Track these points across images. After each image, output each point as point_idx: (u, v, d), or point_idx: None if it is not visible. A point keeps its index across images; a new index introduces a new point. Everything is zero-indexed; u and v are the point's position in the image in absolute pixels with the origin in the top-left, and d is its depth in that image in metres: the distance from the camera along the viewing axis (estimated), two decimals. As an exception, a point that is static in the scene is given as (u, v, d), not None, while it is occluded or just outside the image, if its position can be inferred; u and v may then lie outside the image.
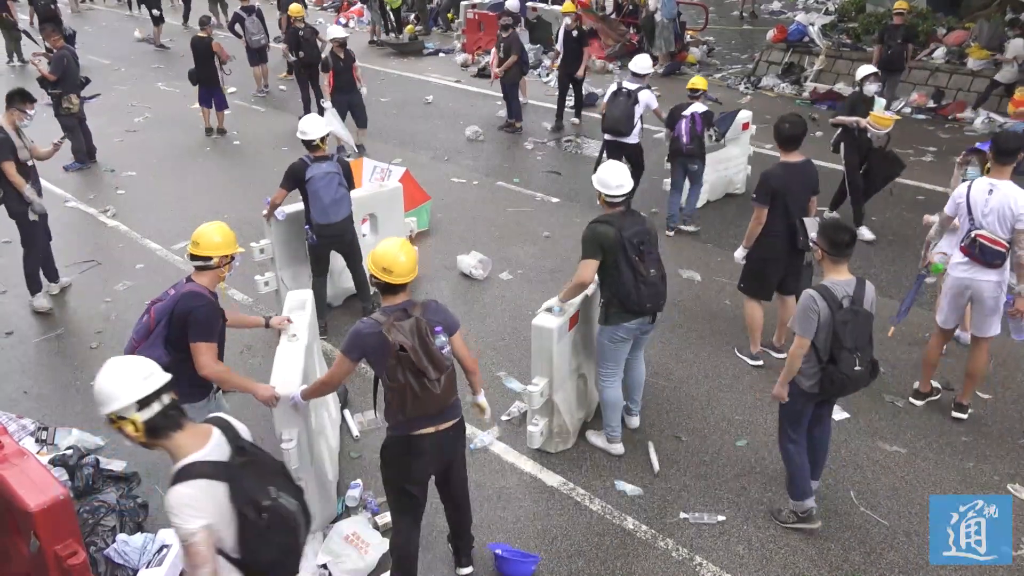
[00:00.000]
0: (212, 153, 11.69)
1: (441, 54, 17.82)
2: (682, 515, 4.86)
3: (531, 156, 11.34)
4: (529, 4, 14.11)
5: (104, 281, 7.87)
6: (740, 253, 6.22)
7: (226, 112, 12.65)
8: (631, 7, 17.66)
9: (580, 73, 12.01)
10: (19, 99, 6.96)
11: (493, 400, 5.90)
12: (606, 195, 4.97)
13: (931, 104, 13.04)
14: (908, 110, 13.04)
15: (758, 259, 6.07)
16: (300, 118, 6.70)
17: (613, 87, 8.86)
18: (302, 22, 12.64)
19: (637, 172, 8.64)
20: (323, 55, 12.81)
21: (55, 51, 10.37)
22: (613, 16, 17.78)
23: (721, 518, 4.84)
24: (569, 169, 10.77)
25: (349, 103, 10.92)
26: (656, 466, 5.26)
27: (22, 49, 16.99)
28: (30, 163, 6.97)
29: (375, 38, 18.89)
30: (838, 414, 5.77)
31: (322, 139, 6.51)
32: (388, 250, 3.84)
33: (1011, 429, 5.62)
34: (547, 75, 15.31)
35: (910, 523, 4.76)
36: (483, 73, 15.82)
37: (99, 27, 19.75)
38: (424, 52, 17.96)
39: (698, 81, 8.52)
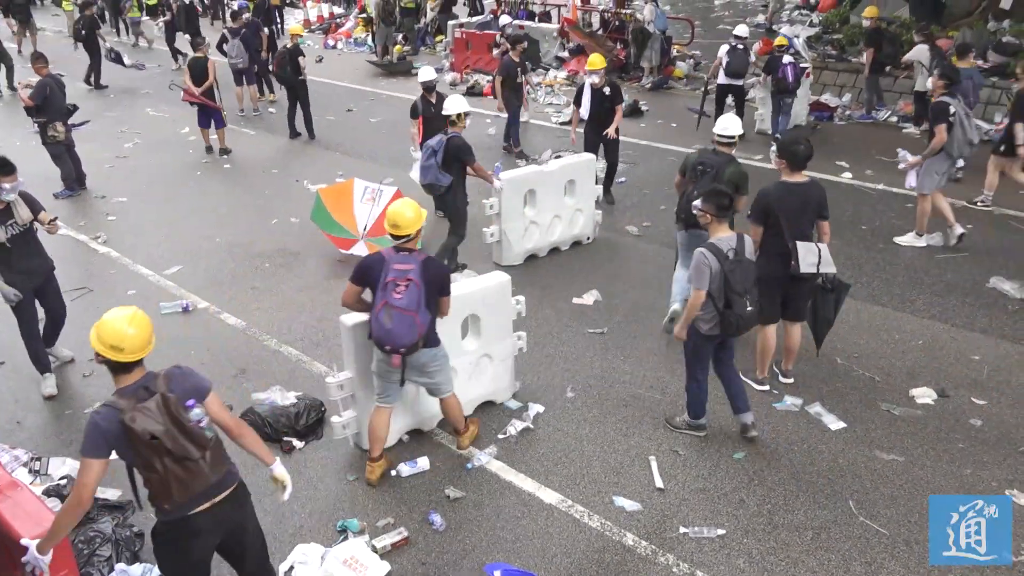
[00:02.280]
0: (203, 177, 11.69)
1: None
2: (682, 530, 4.84)
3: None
4: (516, 22, 14.21)
5: (97, 308, 7.82)
6: None
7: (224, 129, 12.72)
8: (618, 23, 17.80)
9: (612, 133, 9.63)
10: None
11: (490, 417, 5.91)
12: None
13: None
14: (894, 118, 13.16)
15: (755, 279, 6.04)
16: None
17: (729, 44, 12.18)
18: (292, 40, 12.79)
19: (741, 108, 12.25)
20: (302, 77, 12.91)
21: (40, 79, 10.38)
22: (600, 32, 17.90)
23: (721, 532, 4.82)
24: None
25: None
26: (659, 482, 5.24)
27: (13, 78, 17.01)
28: (8, 245, 5.98)
29: (388, 58, 18.97)
30: (834, 424, 5.78)
31: (459, 115, 7.63)
32: (113, 325, 3.34)
33: (1008, 435, 5.62)
34: (535, 92, 15.34)
35: (910, 531, 4.76)
36: (472, 91, 15.90)
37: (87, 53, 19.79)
38: (413, 72, 18.03)
39: (782, 40, 12.37)
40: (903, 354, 6.65)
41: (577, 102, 9.92)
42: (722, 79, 12.33)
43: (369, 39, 20.76)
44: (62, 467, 5.34)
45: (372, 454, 5.31)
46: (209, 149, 12.62)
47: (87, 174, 11.18)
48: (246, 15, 15.54)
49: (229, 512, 3.62)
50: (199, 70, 12.19)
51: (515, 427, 5.82)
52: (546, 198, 8.52)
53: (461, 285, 5.74)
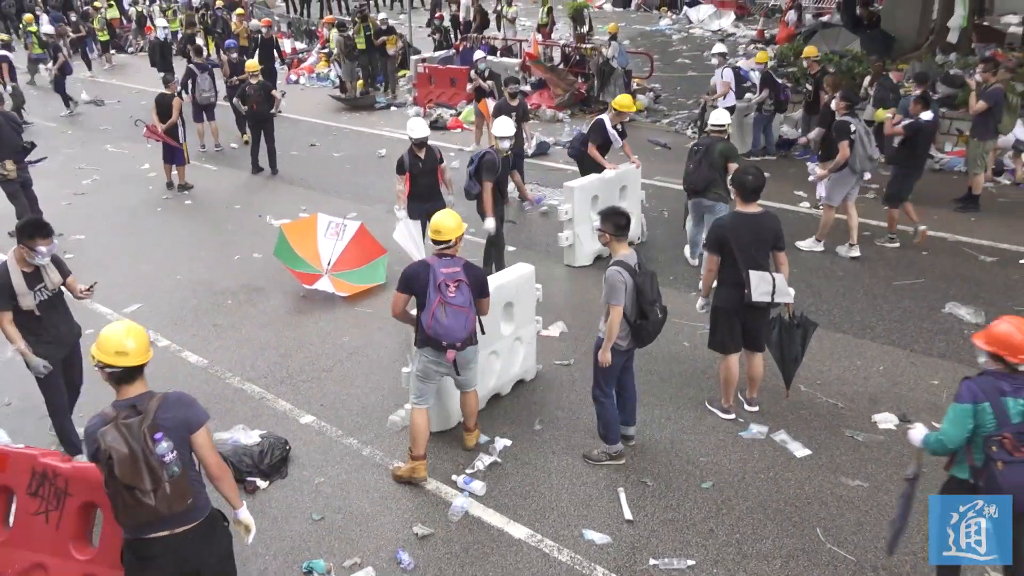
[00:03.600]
0: (163, 213, 11.56)
1: (393, 108, 17.96)
2: (652, 561, 4.83)
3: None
4: (476, 56, 14.34)
5: (52, 348, 7.66)
6: (699, 303, 6.31)
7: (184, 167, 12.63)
8: (578, 57, 18.06)
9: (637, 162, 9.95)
10: (29, 233, 5.37)
11: (457, 452, 5.86)
12: None
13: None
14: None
15: (712, 309, 6.11)
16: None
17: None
18: (256, 77, 12.73)
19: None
20: (275, 110, 12.91)
21: None
22: (561, 67, 18.15)
23: (691, 562, 4.82)
24: (524, 217, 10.87)
25: (428, 212, 8.49)
26: (628, 513, 5.23)
27: None
28: (37, 313, 5.49)
29: (351, 93, 18.93)
30: (799, 451, 5.83)
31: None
32: (114, 334, 3.57)
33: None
34: (529, 142, 15.32)
35: (877, 557, 4.79)
36: (435, 125, 15.97)
37: (45, 90, 19.54)
38: (376, 106, 18.10)
39: (764, 55, 13.30)
40: (865, 380, 6.75)
41: (597, 140, 9.63)
42: (731, 101, 12.81)
43: (332, 74, 20.79)
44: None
45: (417, 451, 5.55)
46: (170, 185, 12.51)
47: (43, 211, 10.97)
48: (234, 54, 15.39)
49: (190, 546, 3.61)
50: (165, 107, 12.10)
51: (483, 461, 5.78)
52: (608, 203, 9.03)
53: (498, 276, 6.61)
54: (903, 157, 9.31)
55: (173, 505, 3.44)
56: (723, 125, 8.56)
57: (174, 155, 12.31)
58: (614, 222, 5.39)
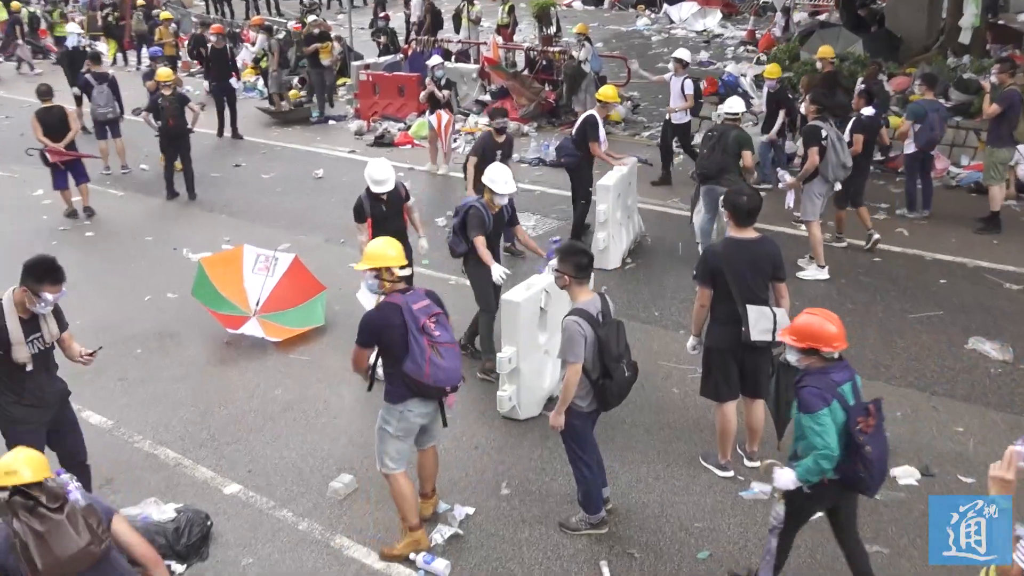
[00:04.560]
0: (60, 247, 11.36)
1: (331, 121, 17.99)
2: (641, 647, 4.79)
3: (442, 233, 11.40)
4: (432, 62, 14.39)
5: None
6: (691, 342, 6.33)
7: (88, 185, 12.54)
8: (545, 62, 18.26)
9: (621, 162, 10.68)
10: (38, 275, 5.19)
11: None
12: None
13: (878, 156, 13.75)
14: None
15: (705, 349, 6.15)
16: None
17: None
18: (169, 88, 12.67)
19: None
20: (191, 126, 12.84)
21: None
22: (526, 73, 18.33)
23: (687, 647, 4.79)
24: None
25: None
26: (609, 591, 5.21)
27: None
28: (29, 367, 5.35)
29: (284, 105, 18.88)
30: (809, 512, 5.85)
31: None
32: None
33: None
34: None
35: (900, 635, 4.81)
36: (381, 141, 16.03)
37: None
38: (311, 120, 18.11)
39: (776, 69, 12.84)
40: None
41: (598, 136, 10.39)
42: (678, 118, 12.93)
43: (260, 83, 20.78)
44: None
45: (413, 520, 5.53)
46: (73, 213, 12.36)
47: (-85, 247, 10.78)
48: (160, 65, 15.11)
49: None
50: (54, 122, 11.98)
51: (441, 534, 5.73)
52: (623, 199, 10.18)
53: (532, 282, 7.10)
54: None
55: None
56: (737, 113, 9.41)
57: (69, 175, 12.18)
58: (575, 262, 5.34)
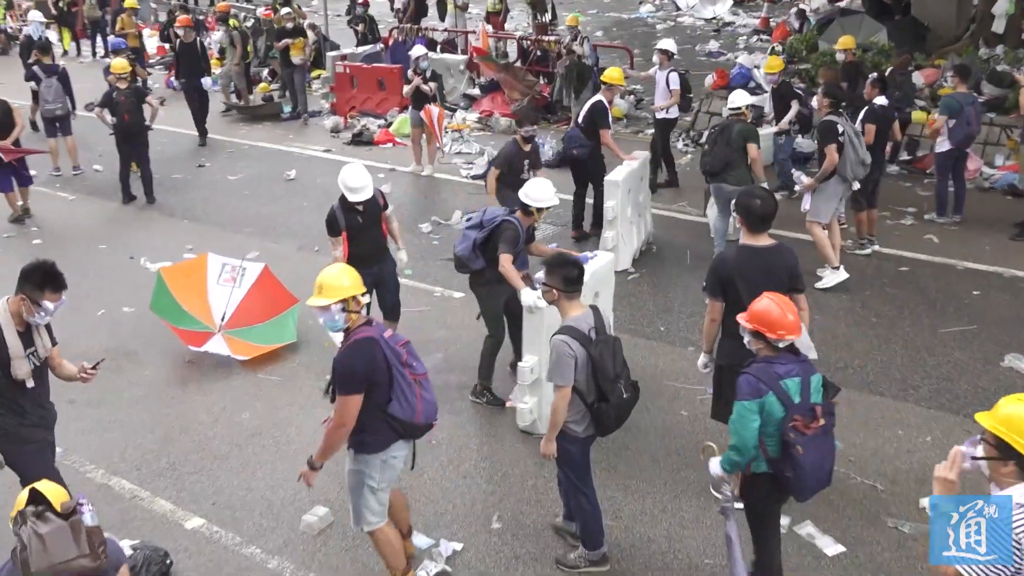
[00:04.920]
0: (4, 255, 11.33)
1: (305, 117, 17.95)
2: None
3: (427, 240, 11.44)
4: (415, 53, 14.34)
5: None
6: (702, 360, 6.34)
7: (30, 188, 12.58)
8: (539, 53, 18.27)
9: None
10: (38, 281, 5.22)
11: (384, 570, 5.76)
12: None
13: (905, 156, 13.80)
14: (893, 168, 13.61)
15: (716, 367, 6.15)
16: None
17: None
18: (124, 81, 12.63)
19: None
20: (149, 122, 12.80)
21: None
22: (518, 64, 18.37)
23: None
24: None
25: (375, 280, 7.77)
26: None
27: None
28: (29, 383, 5.35)
29: (251, 98, 18.89)
30: (830, 548, 5.86)
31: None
32: None
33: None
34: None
35: None
36: (359, 139, 16.02)
37: None
38: (283, 116, 18.10)
39: (777, 62, 12.77)
40: (909, 454, 6.83)
41: (609, 126, 10.99)
42: (673, 113, 13.06)
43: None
44: None
45: (402, 567, 5.45)
46: (20, 219, 12.35)
47: None
48: (119, 57, 14.99)
49: None
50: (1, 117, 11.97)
51: (427, 571, 5.70)
52: (636, 197, 10.53)
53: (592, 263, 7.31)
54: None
55: None
56: (739, 107, 9.79)
57: (11, 178, 12.19)
58: (563, 275, 5.32)
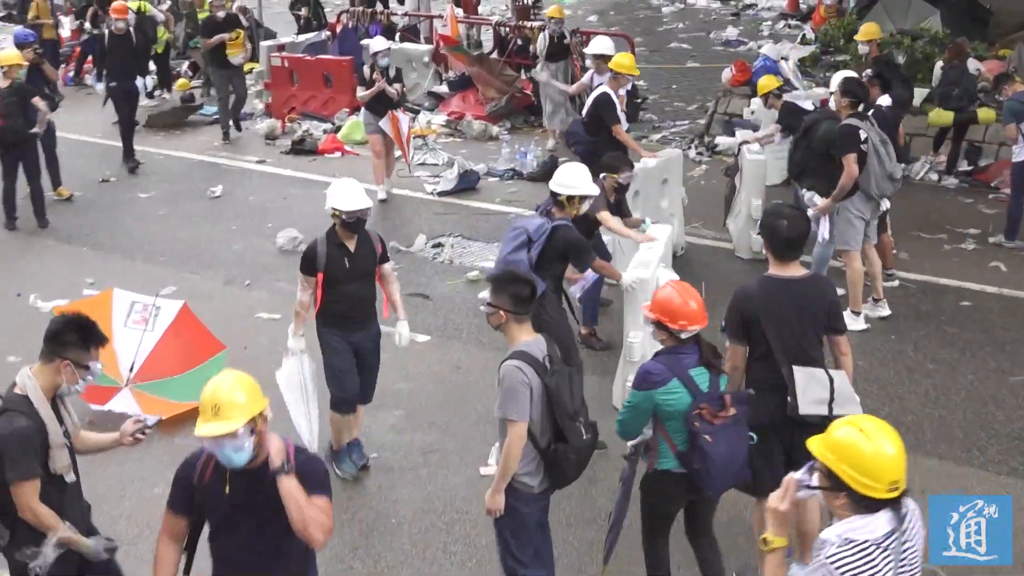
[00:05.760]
0: None
1: (237, 133, 17.67)
2: None
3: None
4: (375, 47, 14.05)
5: None
6: None
7: None
8: (520, 42, 18.23)
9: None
10: (84, 337, 5.28)
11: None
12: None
13: (966, 166, 13.88)
14: (935, 176, 13.81)
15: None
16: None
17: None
18: (8, 77, 12.37)
19: None
20: (37, 129, 12.65)
21: None
22: (495, 56, 18.32)
23: None
24: (442, 290, 10.92)
25: (360, 348, 7.55)
26: None
27: None
28: (70, 477, 5.22)
29: (164, 97, 18.95)
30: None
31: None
32: None
33: None
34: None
35: None
36: (301, 147, 15.89)
37: None
38: (204, 115, 18.06)
39: (772, 80, 12.14)
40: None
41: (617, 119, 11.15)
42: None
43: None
44: None
45: None
46: None
47: None
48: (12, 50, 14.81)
49: None
50: None
51: None
52: (650, 200, 10.78)
53: (643, 258, 8.26)
54: None
55: None
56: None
57: None
58: (512, 293, 5.35)
